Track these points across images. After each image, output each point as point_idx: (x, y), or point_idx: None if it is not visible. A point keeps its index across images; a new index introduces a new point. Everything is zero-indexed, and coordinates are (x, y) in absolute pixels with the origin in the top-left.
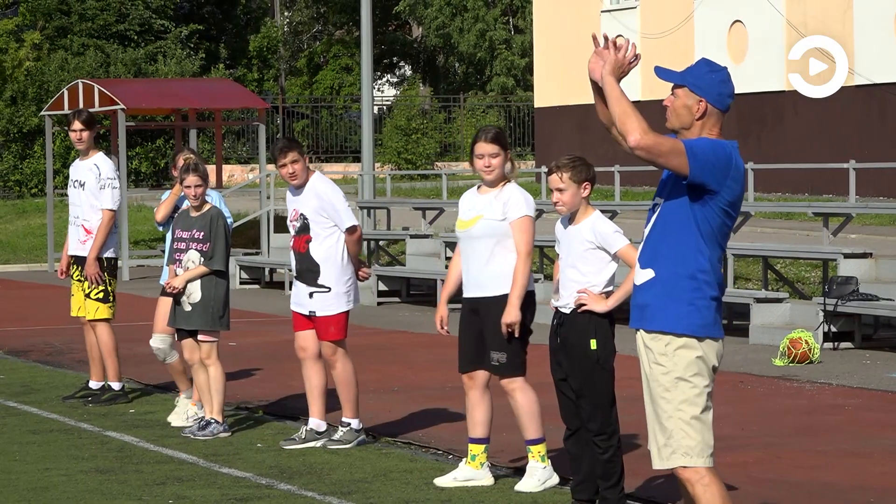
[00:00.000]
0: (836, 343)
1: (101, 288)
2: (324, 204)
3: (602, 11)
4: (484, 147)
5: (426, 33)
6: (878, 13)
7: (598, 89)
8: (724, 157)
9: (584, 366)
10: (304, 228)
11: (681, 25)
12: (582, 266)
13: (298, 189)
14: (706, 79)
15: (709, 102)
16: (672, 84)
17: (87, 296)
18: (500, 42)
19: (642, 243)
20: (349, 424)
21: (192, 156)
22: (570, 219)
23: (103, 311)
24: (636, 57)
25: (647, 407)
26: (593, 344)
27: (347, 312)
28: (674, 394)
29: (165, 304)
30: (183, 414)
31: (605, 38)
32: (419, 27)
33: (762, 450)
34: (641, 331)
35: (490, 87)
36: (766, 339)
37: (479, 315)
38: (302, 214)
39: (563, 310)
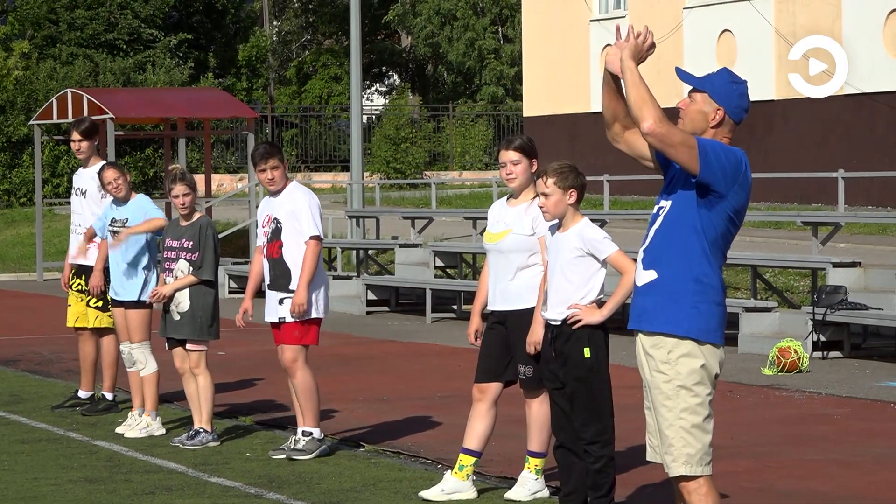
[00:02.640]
0: (825, 352)
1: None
2: (298, 208)
3: (591, 21)
4: (505, 155)
5: (415, 42)
6: (867, 22)
7: (609, 82)
8: (735, 162)
9: (579, 375)
10: (276, 233)
11: (670, 35)
12: (570, 274)
13: (274, 195)
14: (727, 88)
15: (726, 112)
16: (690, 88)
17: (87, 304)
18: (489, 51)
19: (646, 244)
20: (311, 434)
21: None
22: (558, 226)
23: (104, 319)
24: (652, 46)
25: (647, 414)
26: (587, 352)
27: (317, 323)
28: (675, 402)
29: (117, 314)
30: (135, 426)
31: (619, 29)
32: (408, 36)
33: (751, 459)
34: (641, 335)
35: (479, 96)
36: (756, 349)
37: (506, 327)
38: (275, 219)
39: (552, 322)
